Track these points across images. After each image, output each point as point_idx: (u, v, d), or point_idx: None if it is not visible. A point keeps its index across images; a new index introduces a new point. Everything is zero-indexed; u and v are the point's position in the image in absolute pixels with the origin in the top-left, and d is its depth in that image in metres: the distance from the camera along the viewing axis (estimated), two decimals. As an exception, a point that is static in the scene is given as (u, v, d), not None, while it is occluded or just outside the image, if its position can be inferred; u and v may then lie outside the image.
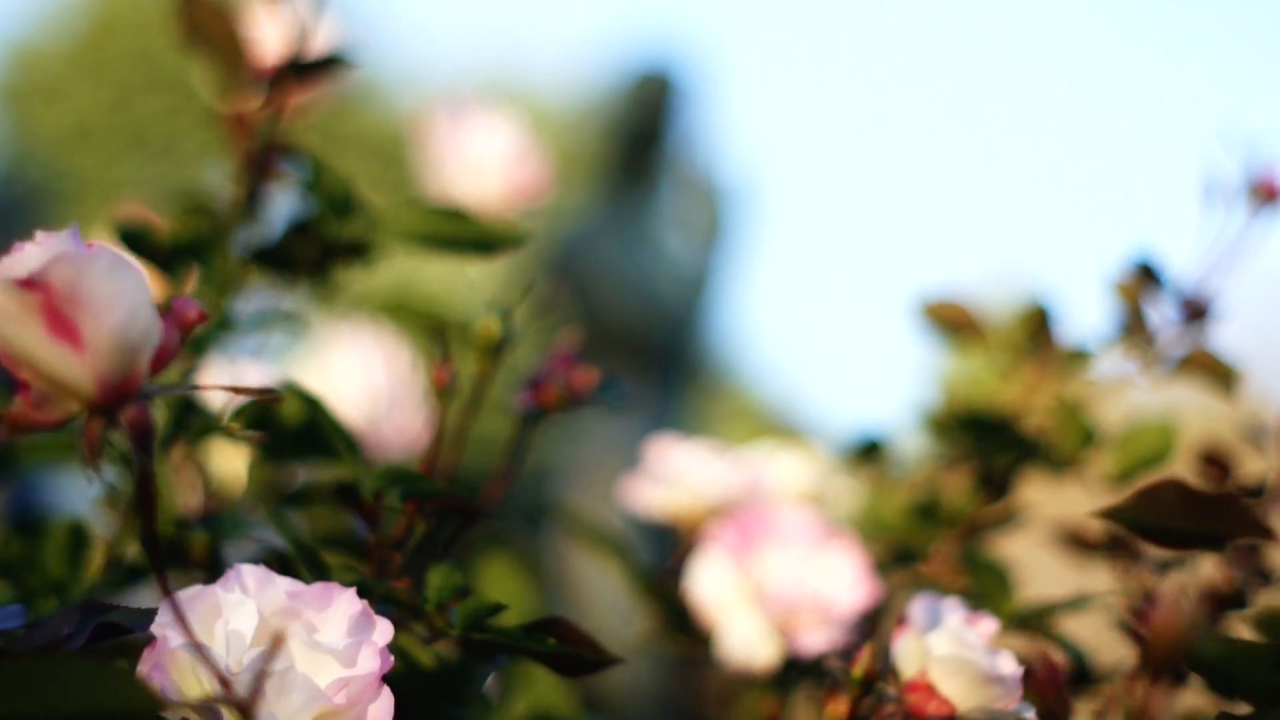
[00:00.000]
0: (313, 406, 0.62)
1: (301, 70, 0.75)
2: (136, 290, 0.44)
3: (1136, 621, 0.63)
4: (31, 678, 0.39)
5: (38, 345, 0.43)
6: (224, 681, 0.46)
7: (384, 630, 0.49)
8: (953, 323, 0.89)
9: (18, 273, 0.43)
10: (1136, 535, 0.63)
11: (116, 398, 0.45)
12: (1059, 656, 0.79)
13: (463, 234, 0.76)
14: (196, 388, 0.49)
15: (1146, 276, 0.82)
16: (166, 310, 0.46)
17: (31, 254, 0.44)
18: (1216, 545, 0.67)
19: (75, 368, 0.44)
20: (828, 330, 17.73)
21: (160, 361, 0.46)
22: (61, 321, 0.43)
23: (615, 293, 3.29)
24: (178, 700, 0.47)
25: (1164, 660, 0.53)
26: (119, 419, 0.45)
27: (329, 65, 0.76)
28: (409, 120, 1.21)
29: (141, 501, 0.46)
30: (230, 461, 0.91)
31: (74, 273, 0.43)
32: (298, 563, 0.57)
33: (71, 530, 0.70)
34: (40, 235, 0.45)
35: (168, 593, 0.47)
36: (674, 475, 0.94)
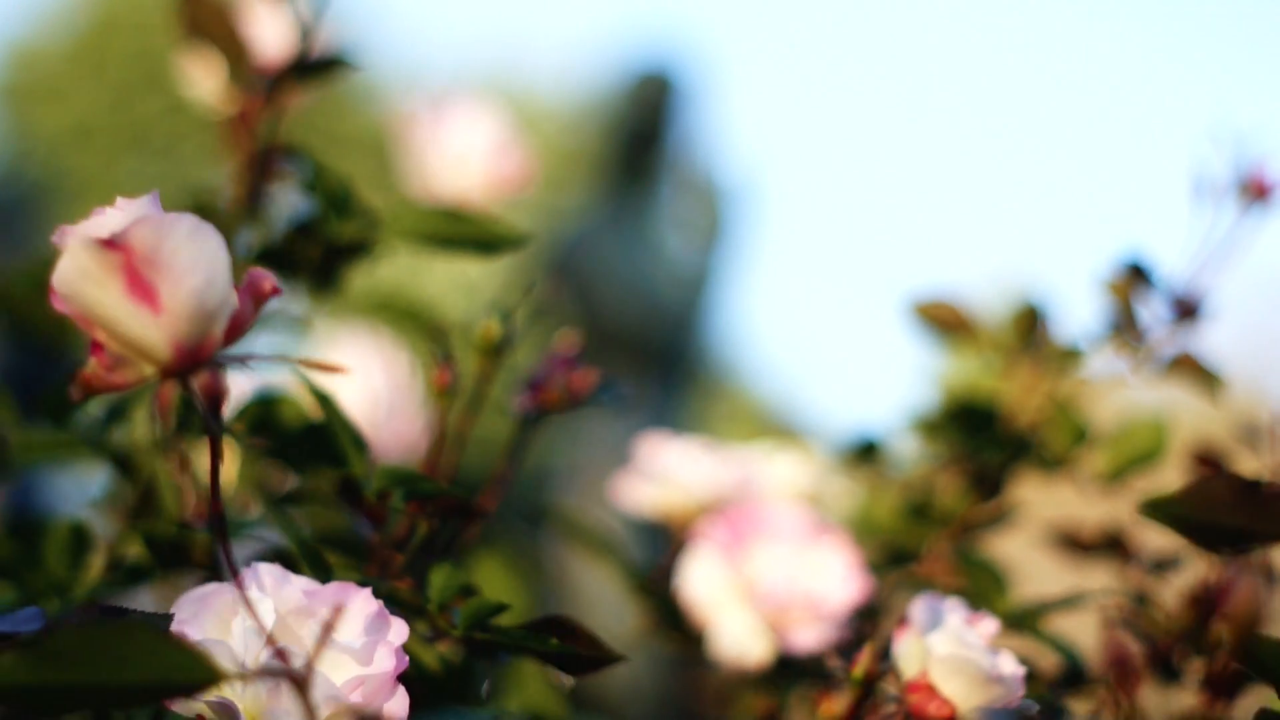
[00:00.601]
0: (323, 402, 0.63)
1: (304, 71, 0.75)
2: (215, 257, 0.44)
3: (1214, 600, 0.61)
4: (94, 646, 0.39)
5: (115, 306, 0.44)
6: (281, 653, 0.46)
7: (399, 630, 0.50)
8: (945, 322, 0.90)
9: (100, 233, 0.43)
10: (1182, 533, 0.60)
11: (191, 363, 0.45)
12: (1051, 659, 0.80)
13: (464, 234, 0.76)
14: (271, 358, 0.49)
15: (1137, 275, 0.83)
16: (241, 281, 0.46)
17: (113, 216, 0.45)
18: (1267, 543, 0.63)
19: (152, 330, 0.44)
20: (827, 330, 17.71)
21: (234, 330, 0.46)
22: (141, 283, 0.44)
23: (615, 293, 3.29)
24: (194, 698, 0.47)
25: (1240, 636, 0.52)
26: (191, 384, 0.45)
27: (332, 66, 0.76)
28: (394, 117, 1.22)
29: (212, 467, 0.46)
30: (227, 461, 0.91)
31: (156, 235, 0.43)
32: (300, 563, 0.57)
33: (73, 531, 0.71)
34: (121, 200, 0.45)
35: (235, 571, 0.47)
36: (665, 473, 0.94)
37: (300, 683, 0.44)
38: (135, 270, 0.43)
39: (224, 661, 0.47)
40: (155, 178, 8.23)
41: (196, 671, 0.40)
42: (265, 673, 0.46)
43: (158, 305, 0.44)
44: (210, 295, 0.44)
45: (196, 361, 0.45)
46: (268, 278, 0.47)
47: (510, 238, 0.76)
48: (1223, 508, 0.58)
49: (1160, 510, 0.58)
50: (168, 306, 0.44)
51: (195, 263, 0.44)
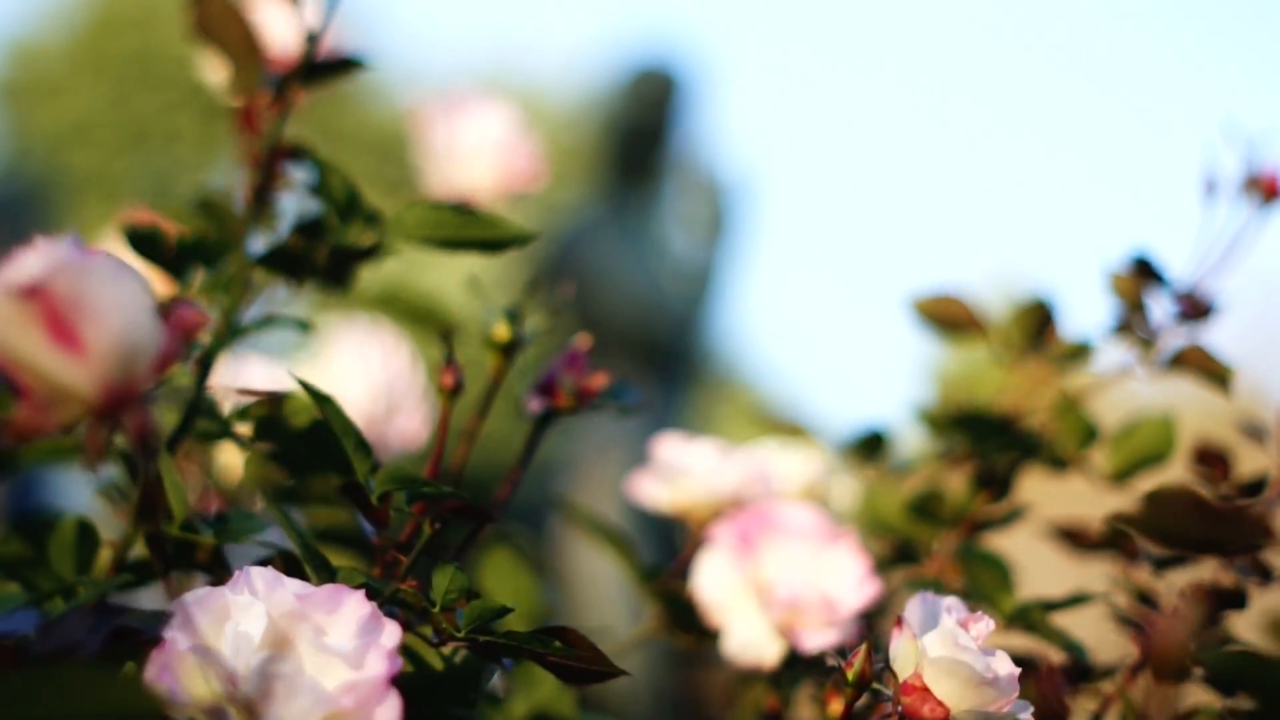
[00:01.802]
0: (324, 404, 0.63)
1: (315, 70, 0.75)
2: (137, 296, 0.45)
3: (1138, 631, 0.63)
4: (37, 688, 0.39)
5: (39, 352, 0.44)
6: (231, 681, 0.46)
7: (392, 632, 0.49)
8: (951, 319, 0.89)
9: (19, 281, 0.44)
10: (1148, 540, 0.63)
11: (119, 402, 0.45)
12: (1057, 656, 0.79)
13: (469, 234, 0.76)
14: (197, 391, 0.49)
15: (1146, 273, 0.83)
16: (167, 313, 0.46)
17: (32, 262, 0.45)
18: (1226, 553, 0.66)
19: (77, 374, 0.44)
20: (829, 328, 17.72)
21: (162, 365, 0.46)
22: (63, 329, 0.44)
23: (618, 290, 3.29)
24: (186, 702, 0.47)
25: (1167, 669, 0.53)
26: (122, 423, 0.45)
27: (343, 66, 0.76)
28: (407, 114, 1.23)
29: (144, 504, 0.46)
30: (231, 458, 0.91)
31: (76, 280, 0.44)
32: (304, 563, 0.57)
33: (79, 529, 0.70)
34: (41, 242, 0.45)
35: (174, 593, 0.47)
36: (682, 471, 0.94)
37: (251, 709, 0.45)
38: (57, 316, 0.44)
39: (214, 668, 0.47)
40: (154, 174, 8.23)
41: (139, 704, 0.40)
42: (218, 704, 0.46)
43: (82, 349, 0.44)
44: (134, 335, 0.45)
45: (125, 401, 0.45)
46: (193, 309, 0.47)
47: (515, 236, 0.76)
48: (1181, 520, 0.62)
49: (1128, 521, 0.63)
50: (92, 350, 0.44)
51: (117, 305, 0.44)
